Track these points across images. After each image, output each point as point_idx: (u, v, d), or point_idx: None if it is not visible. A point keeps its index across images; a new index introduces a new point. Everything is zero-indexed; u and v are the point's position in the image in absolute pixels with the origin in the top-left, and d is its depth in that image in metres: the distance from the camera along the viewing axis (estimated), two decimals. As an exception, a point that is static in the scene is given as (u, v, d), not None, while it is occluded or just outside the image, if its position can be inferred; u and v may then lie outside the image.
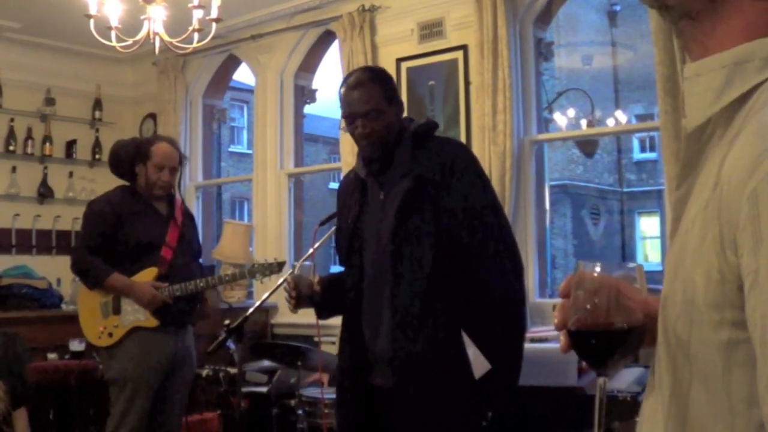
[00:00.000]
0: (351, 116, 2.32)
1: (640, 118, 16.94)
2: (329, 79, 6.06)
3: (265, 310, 5.16)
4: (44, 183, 5.78)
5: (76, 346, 4.47)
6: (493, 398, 2.20)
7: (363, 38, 4.71)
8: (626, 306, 0.85)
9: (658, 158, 16.55)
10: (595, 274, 0.86)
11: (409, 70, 4.66)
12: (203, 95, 6.08)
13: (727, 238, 0.72)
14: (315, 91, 5.71)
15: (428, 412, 2.21)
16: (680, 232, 0.82)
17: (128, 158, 3.47)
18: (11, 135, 5.62)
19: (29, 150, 5.69)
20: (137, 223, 3.41)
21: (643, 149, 20.51)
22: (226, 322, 2.74)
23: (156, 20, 3.86)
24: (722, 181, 0.74)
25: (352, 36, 4.75)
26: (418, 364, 2.21)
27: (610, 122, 13.12)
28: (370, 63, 4.55)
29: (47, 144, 5.77)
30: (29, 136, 5.71)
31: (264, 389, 4.04)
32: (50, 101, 5.80)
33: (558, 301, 0.92)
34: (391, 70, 3.46)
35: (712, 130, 0.81)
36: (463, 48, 4.44)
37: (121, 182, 3.56)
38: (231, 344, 3.02)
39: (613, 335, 0.85)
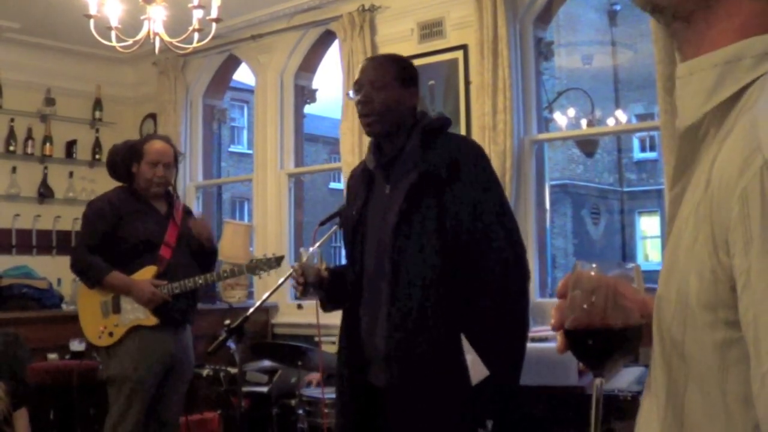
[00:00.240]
0: (357, 83, 2.32)
1: (641, 117, 16.94)
2: (329, 79, 6.08)
3: (265, 310, 5.16)
4: (44, 183, 5.78)
5: (76, 346, 4.47)
6: (492, 404, 2.15)
7: (363, 38, 4.71)
8: (624, 306, 0.84)
9: (659, 158, 16.55)
10: (593, 274, 0.85)
11: (409, 69, 4.66)
12: (203, 95, 6.08)
13: (719, 238, 0.72)
14: (315, 91, 5.71)
15: (422, 415, 2.16)
16: (674, 232, 0.82)
17: (123, 160, 3.51)
18: (11, 135, 5.62)
19: (29, 150, 5.69)
20: (136, 222, 3.42)
21: (643, 149, 20.51)
22: (227, 321, 2.74)
23: (156, 20, 3.87)
24: (713, 181, 0.74)
25: (352, 36, 4.75)
26: (414, 364, 2.17)
27: (611, 122, 13.11)
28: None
29: (47, 144, 5.77)
30: (29, 136, 5.71)
31: (264, 389, 4.05)
32: (50, 101, 5.80)
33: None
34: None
35: (706, 129, 0.81)
36: (463, 48, 4.44)
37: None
38: (231, 344, 3.02)
39: (610, 335, 0.84)
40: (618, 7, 18.57)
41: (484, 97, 4.18)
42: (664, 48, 3.55)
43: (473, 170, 2.23)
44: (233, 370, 4.07)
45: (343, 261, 2.50)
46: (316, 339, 3.78)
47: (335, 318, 2.47)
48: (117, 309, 3.41)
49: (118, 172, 3.55)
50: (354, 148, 4.65)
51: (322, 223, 2.48)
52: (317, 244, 2.43)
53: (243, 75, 7.09)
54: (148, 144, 3.52)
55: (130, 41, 3.88)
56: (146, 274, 3.41)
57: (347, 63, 4.77)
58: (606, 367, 0.87)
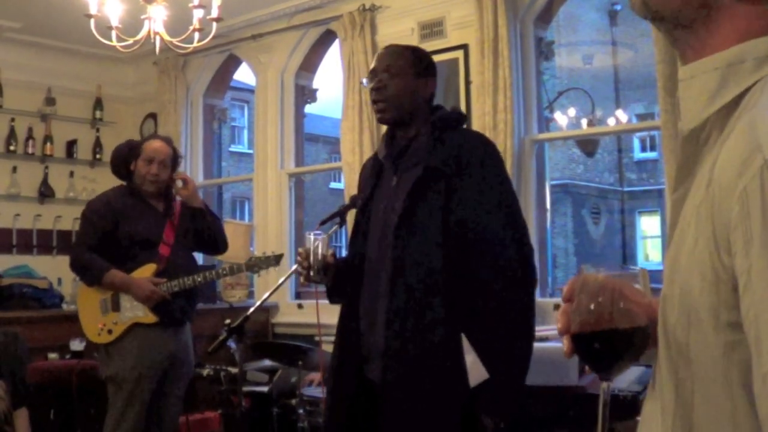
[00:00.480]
0: (373, 70, 2.33)
1: (641, 117, 16.92)
2: (330, 78, 6.08)
3: (266, 309, 5.16)
4: (45, 183, 5.78)
5: (76, 345, 4.47)
6: (494, 405, 2.10)
7: (363, 38, 4.71)
8: (630, 309, 0.84)
9: (659, 157, 16.55)
10: (599, 277, 0.85)
11: (410, 69, 4.65)
12: (204, 95, 6.08)
13: (720, 239, 0.72)
14: (315, 90, 5.71)
15: (416, 413, 2.11)
16: (676, 234, 0.82)
17: (123, 158, 3.55)
18: (12, 135, 5.62)
19: (30, 150, 5.69)
20: (134, 220, 3.44)
21: (643, 148, 20.51)
22: (227, 321, 2.74)
23: (156, 20, 3.87)
24: (714, 182, 0.74)
25: (353, 35, 4.75)
26: (412, 361, 2.12)
27: (611, 121, 13.09)
28: (371, 63, 4.54)
29: (48, 144, 5.77)
30: (30, 135, 5.71)
31: (265, 388, 4.05)
32: (51, 101, 5.80)
33: (558, 300, 0.91)
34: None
35: (708, 132, 0.81)
36: (464, 47, 4.44)
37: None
38: (232, 344, 3.02)
39: (616, 339, 0.83)
40: (618, 7, 18.56)
41: (484, 97, 4.18)
42: (665, 48, 3.55)
43: (482, 167, 2.19)
44: (234, 370, 4.07)
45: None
46: (317, 338, 3.78)
47: (335, 317, 2.46)
48: (116, 307, 3.42)
49: (119, 170, 3.59)
50: (354, 147, 4.65)
51: (323, 223, 2.46)
52: (318, 243, 2.40)
53: (243, 75, 7.10)
54: (147, 143, 3.57)
55: (131, 41, 3.89)
56: (145, 272, 3.42)
57: (348, 63, 4.77)
58: (613, 371, 0.86)
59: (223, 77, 6.16)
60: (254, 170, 5.63)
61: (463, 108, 4.40)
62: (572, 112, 12.05)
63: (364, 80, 2.37)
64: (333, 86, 5.55)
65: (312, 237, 2.29)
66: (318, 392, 3.63)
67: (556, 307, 3.82)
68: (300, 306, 5.22)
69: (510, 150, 4.08)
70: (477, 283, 2.12)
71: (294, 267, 2.43)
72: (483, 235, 2.13)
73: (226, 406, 4.10)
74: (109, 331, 3.40)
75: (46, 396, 4.28)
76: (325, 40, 5.35)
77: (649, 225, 20.49)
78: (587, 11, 18.91)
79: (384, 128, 2.45)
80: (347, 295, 2.35)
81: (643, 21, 0.90)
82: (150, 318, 3.39)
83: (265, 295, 2.78)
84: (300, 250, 2.33)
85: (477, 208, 2.15)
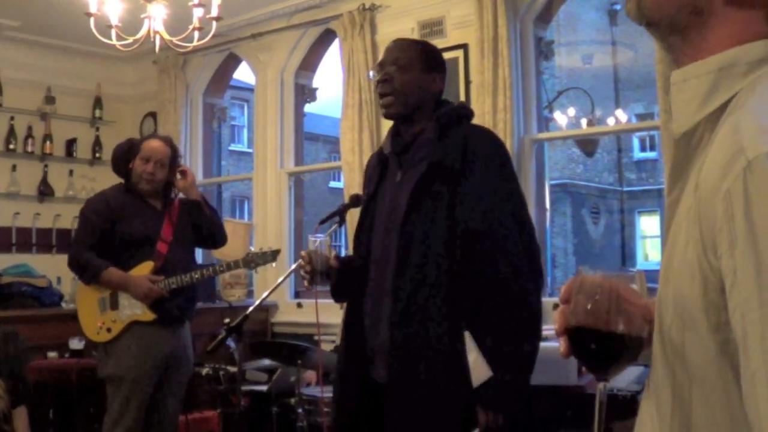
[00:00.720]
0: (380, 63, 2.30)
1: (641, 117, 16.95)
2: (330, 77, 6.08)
3: (265, 308, 5.17)
4: (44, 181, 5.78)
5: (76, 344, 4.47)
6: (497, 405, 2.07)
7: (363, 37, 4.71)
8: (627, 310, 0.84)
9: (659, 157, 16.56)
10: (596, 277, 0.85)
11: (410, 68, 4.65)
12: (203, 94, 6.08)
13: (707, 241, 0.73)
14: (315, 89, 5.71)
15: (419, 412, 2.10)
16: (670, 236, 0.82)
17: (123, 155, 3.56)
18: (11, 133, 5.62)
19: (29, 148, 5.69)
20: (132, 218, 3.45)
21: (643, 148, 20.51)
22: (226, 320, 2.74)
23: (156, 19, 3.87)
24: (701, 184, 0.75)
25: (353, 35, 4.75)
26: (416, 359, 2.10)
27: (611, 121, 13.10)
28: (370, 62, 4.55)
29: (47, 142, 5.77)
30: (29, 134, 5.71)
31: (264, 388, 4.05)
32: (50, 100, 5.80)
33: (557, 300, 0.91)
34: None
35: (700, 135, 0.82)
36: (464, 47, 4.43)
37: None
38: (231, 343, 3.02)
39: (613, 340, 0.84)
40: (618, 7, 18.56)
41: (484, 97, 4.18)
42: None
43: (488, 163, 2.16)
44: (233, 369, 4.07)
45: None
46: (316, 338, 3.78)
47: (335, 317, 2.46)
48: (115, 305, 3.42)
49: (119, 168, 3.60)
50: (354, 147, 4.65)
51: (322, 222, 2.45)
52: (318, 243, 2.39)
53: (243, 74, 7.10)
54: (146, 141, 3.57)
55: (131, 39, 3.89)
56: (143, 269, 3.42)
57: (347, 62, 4.77)
58: (610, 371, 0.87)
59: (222, 76, 6.16)
60: (254, 169, 5.63)
61: (462, 107, 4.40)
62: (572, 111, 12.05)
63: (371, 72, 2.36)
64: (333, 85, 5.56)
65: (313, 240, 2.28)
66: (317, 391, 3.63)
67: (555, 306, 3.82)
68: (299, 305, 5.22)
69: (510, 150, 4.08)
70: (483, 280, 2.09)
71: (293, 266, 2.43)
72: (489, 233, 2.10)
73: (225, 406, 4.10)
74: (108, 330, 3.40)
75: (45, 395, 4.28)
76: (325, 39, 5.35)
77: (648, 225, 20.50)
78: (587, 11, 18.92)
79: (385, 127, 2.45)
80: (352, 293, 2.33)
81: (643, 21, 0.91)
82: (148, 316, 3.39)
83: (265, 294, 2.78)
84: (302, 253, 2.30)
85: (483, 205, 2.11)
